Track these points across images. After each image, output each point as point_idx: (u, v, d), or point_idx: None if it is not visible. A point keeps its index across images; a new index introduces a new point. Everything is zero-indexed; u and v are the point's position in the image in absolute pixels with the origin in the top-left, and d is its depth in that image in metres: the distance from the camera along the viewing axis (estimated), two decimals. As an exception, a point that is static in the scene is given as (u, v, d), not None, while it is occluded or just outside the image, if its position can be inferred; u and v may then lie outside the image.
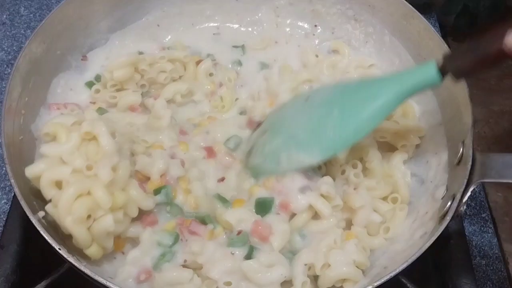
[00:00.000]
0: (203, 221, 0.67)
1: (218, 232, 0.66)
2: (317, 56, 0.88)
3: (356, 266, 0.64)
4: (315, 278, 0.65)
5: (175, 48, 0.87)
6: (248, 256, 0.64)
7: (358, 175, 0.71)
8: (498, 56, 0.55)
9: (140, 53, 0.84)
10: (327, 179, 0.69)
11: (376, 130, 0.75)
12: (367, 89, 0.66)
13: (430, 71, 0.60)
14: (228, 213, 0.66)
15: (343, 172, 0.72)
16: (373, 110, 0.64)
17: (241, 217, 0.66)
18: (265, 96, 0.82)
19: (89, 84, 0.82)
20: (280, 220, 0.66)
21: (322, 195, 0.68)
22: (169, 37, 0.90)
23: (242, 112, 0.82)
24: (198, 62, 0.85)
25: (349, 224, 0.70)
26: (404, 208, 0.71)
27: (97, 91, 0.80)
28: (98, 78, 0.82)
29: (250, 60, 0.88)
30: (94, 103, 0.80)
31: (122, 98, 0.78)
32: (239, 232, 0.65)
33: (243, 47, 0.90)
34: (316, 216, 0.69)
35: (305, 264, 0.64)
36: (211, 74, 0.84)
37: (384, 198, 0.72)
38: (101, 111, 0.78)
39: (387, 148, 0.76)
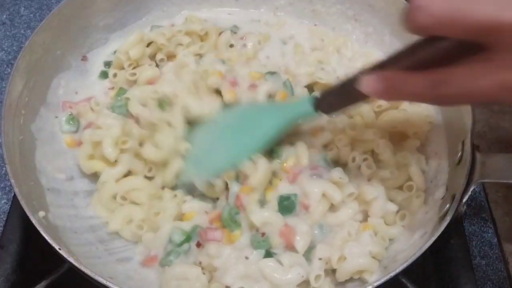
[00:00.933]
0: (233, 219, 0.66)
1: (241, 232, 0.66)
2: (323, 40, 0.88)
3: (373, 257, 0.64)
4: (333, 272, 0.64)
5: (192, 22, 0.87)
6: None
7: (371, 166, 0.70)
8: (358, 97, 0.59)
9: (154, 26, 0.86)
10: (338, 168, 0.69)
11: (386, 121, 0.75)
12: (257, 115, 0.75)
13: (307, 107, 0.68)
14: (256, 214, 0.65)
15: (353, 160, 0.71)
16: (260, 134, 0.72)
17: (268, 220, 0.65)
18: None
19: (102, 75, 0.83)
20: (302, 221, 0.66)
21: (334, 183, 0.67)
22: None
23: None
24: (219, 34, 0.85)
25: (366, 217, 0.69)
26: (421, 195, 0.70)
27: (115, 75, 0.81)
28: (108, 64, 0.83)
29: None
30: (112, 88, 0.81)
31: (142, 74, 0.79)
32: (263, 234, 0.64)
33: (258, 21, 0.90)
34: (333, 208, 0.68)
35: (320, 259, 0.63)
36: (231, 45, 0.84)
37: (400, 187, 0.71)
38: (122, 91, 0.78)
39: (399, 137, 0.75)
